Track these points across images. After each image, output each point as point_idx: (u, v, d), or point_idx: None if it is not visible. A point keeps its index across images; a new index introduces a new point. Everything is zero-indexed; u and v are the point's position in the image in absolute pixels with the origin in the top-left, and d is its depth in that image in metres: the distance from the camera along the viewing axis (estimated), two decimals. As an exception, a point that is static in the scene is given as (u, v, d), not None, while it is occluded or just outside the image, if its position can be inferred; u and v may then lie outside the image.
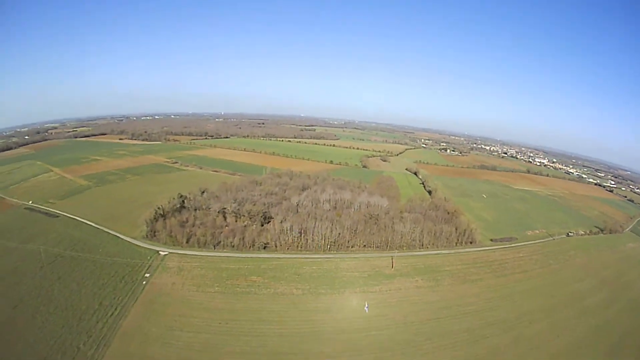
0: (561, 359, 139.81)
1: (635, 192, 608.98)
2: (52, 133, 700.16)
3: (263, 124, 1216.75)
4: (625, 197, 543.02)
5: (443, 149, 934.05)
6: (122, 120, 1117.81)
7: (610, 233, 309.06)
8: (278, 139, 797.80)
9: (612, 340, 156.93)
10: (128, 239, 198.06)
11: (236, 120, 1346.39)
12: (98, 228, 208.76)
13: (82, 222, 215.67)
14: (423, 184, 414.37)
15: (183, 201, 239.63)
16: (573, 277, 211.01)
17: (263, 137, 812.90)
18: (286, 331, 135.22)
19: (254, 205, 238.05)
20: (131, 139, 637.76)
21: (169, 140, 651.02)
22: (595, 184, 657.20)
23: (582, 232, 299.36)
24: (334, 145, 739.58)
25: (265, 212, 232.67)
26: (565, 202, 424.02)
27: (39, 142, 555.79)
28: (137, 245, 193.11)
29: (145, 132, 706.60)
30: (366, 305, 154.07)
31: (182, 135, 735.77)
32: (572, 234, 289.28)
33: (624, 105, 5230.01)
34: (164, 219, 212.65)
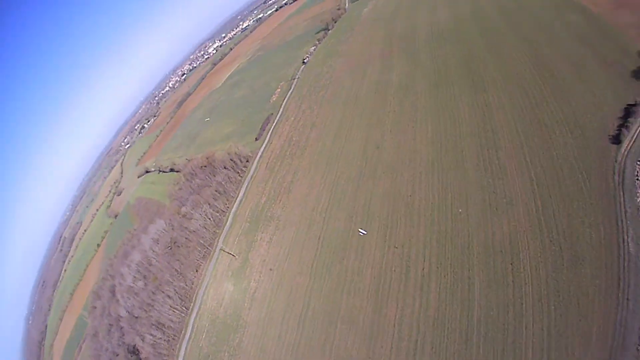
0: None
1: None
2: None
3: None
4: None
5: (140, 130, 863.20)
6: None
7: (336, 21, 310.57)
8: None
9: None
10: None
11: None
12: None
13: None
14: (160, 171, 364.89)
15: None
16: (352, 82, 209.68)
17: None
18: None
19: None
20: None
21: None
22: (278, 10, 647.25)
23: (313, 49, 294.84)
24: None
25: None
26: (267, 49, 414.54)
27: None
28: None
29: None
30: (361, 230, 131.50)
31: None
32: (307, 59, 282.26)
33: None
34: None
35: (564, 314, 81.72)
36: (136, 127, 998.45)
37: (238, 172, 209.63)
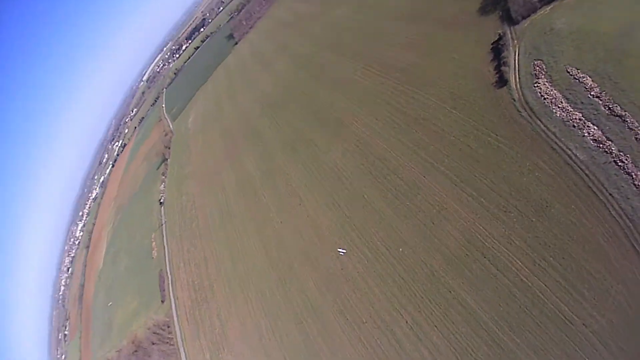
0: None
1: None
2: None
3: None
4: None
5: (64, 339, 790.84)
6: None
7: (170, 147, 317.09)
8: None
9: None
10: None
11: None
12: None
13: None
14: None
15: None
16: (215, 198, 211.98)
17: None
18: None
19: None
20: None
21: None
22: (114, 164, 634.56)
23: (162, 186, 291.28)
24: None
25: None
26: (123, 208, 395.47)
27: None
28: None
29: None
30: (340, 250, 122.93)
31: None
32: (162, 198, 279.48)
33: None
34: None
35: (566, 255, 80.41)
36: (60, 337, 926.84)
37: (168, 342, 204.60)
